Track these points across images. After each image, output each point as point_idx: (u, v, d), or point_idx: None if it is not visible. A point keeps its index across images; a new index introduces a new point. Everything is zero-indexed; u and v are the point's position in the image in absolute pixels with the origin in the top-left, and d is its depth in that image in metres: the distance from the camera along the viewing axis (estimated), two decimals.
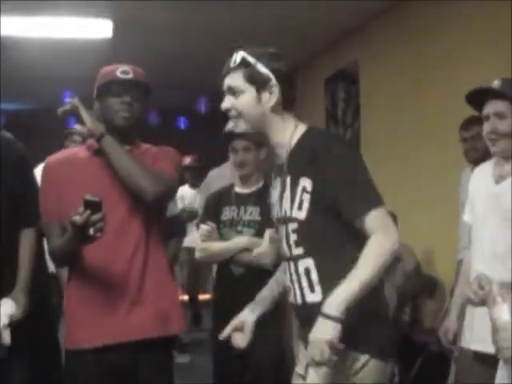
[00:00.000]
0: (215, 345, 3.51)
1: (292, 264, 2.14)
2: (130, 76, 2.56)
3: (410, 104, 5.25)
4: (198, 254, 3.39)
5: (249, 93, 2.11)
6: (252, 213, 3.36)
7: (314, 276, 2.09)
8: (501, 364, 2.04)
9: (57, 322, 3.51)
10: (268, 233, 3.24)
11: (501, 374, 1.97)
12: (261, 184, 3.43)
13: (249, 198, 3.40)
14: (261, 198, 3.35)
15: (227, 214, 3.41)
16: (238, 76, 2.12)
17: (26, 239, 2.95)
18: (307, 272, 2.10)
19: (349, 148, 2.15)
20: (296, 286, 2.14)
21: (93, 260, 2.50)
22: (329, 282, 2.03)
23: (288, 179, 2.12)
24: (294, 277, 2.14)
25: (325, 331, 1.91)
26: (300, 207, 2.07)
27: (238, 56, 2.13)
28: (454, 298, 3.22)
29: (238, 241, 3.31)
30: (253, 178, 3.42)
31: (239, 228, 3.35)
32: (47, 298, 3.44)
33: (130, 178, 2.45)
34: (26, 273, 2.92)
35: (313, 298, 2.10)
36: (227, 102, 2.14)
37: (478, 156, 3.82)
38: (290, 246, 2.14)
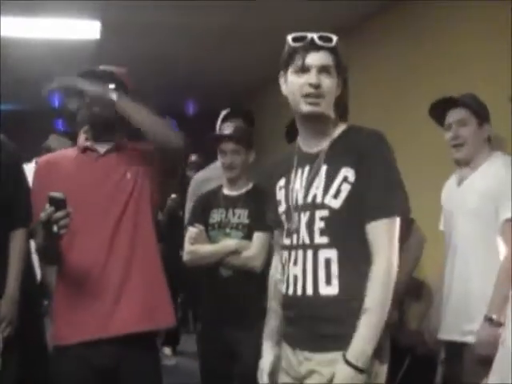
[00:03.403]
0: (202, 346, 3.51)
1: (310, 252, 2.10)
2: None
3: (401, 106, 5.25)
4: (186, 257, 3.38)
5: (335, 78, 2.12)
6: (240, 215, 3.35)
7: (334, 268, 2.06)
8: (494, 369, 2.06)
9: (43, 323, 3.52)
10: (256, 236, 3.25)
11: (493, 379, 2.00)
12: (249, 186, 3.43)
13: (237, 200, 3.40)
14: (249, 201, 3.35)
15: (215, 216, 3.40)
16: (331, 58, 2.11)
17: (17, 240, 2.96)
18: (327, 263, 2.07)
19: (392, 152, 2.13)
20: (309, 276, 2.10)
21: (80, 257, 2.52)
22: (348, 277, 2.04)
23: (323, 168, 2.11)
24: (310, 266, 2.10)
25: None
26: (336, 196, 2.07)
27: (334, 39, 2.11)
28: (436, 300, 3.29)
29: (227, 244, 3.31)
30: (241, 180, 3.42)
31: (227, 230, 3.34)
32: (34, 298, 3.44)
33: (156, 131, 2.51)
34: (15, 280, 2.92)
35: (328, 290, 2.06)
36: (319, 79, 2.09)
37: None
38: (312, 234, 2.11)
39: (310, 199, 2.12)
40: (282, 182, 2.25)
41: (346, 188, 2.06)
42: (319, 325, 2.08)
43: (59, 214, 2.25)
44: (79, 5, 5.19)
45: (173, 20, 5.69)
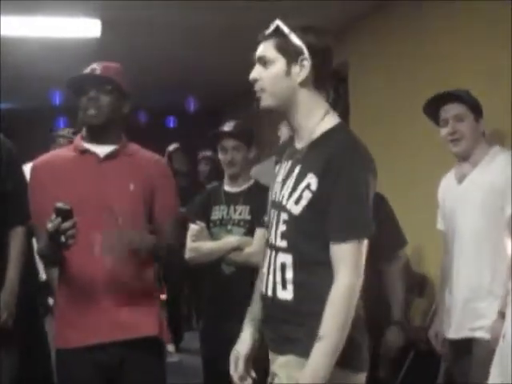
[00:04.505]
0: (205, 344, 3.51)
1: (273, 253, 2.05)
2: (96, 72, 2.55)
3: (400, 104, 5.25)
4: (188, 255, 3.38)
5: (279, 63, 2.02)
6: (241, 212, 3.35)
7: (289, 274, 1.99)
8: (494, 363, 2.07)
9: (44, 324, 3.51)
10: (258, 232, 3.24)
11: (494, 372, 2.00)
12: (250, 182, 3.44)
13: (238, 196, 3.40)
14: (250, 197, 3.36)
15: (217, 213, 3.40)
16: (269, 45, 2.04)
17: (16, 238, 2.96)
18: (283, 267, 2.00)
19: (365, 165, 1.98)
20: (270, 277, 2.05)
21: (80, 261, 2.51)
22: (304, 284, 1.97)
23: (298, 168, 2.01)
24: (272, 267, 2.05)
25: None
26: (297, 202, 1.97)
27: (273, 25, 2.05)
28: (439, 300, 3.29)
29: (229, 240, 3.31)
30: (242, 177, 3.42)
31: (229, 227, 3.35)
32: (36, 298, 3.44)
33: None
34: (14, 274, 2.93)
35: (284, 295, 2.00)
36: (255, 72, 2.04)
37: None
38: (276, 235, 2.04)
39: (280, 198, 2.05)
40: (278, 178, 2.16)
41: (306, 196, 1.95)
42: (279, 326, 2.03)
43: (66, 224, 2.26)
44: (79, 3, 5.18)
45: (174, 18, 5.69)
